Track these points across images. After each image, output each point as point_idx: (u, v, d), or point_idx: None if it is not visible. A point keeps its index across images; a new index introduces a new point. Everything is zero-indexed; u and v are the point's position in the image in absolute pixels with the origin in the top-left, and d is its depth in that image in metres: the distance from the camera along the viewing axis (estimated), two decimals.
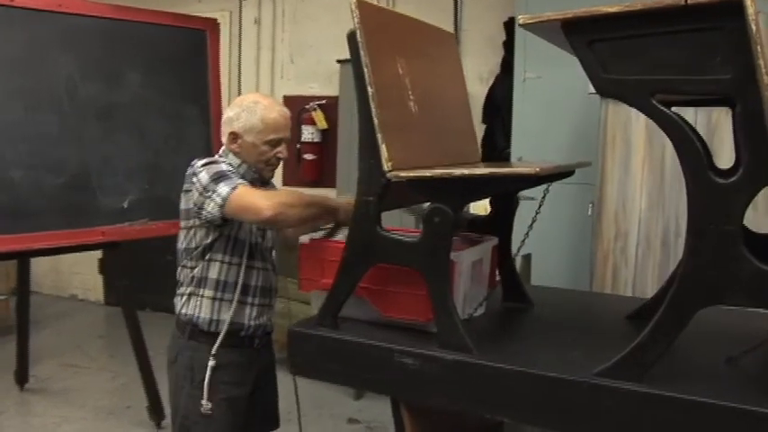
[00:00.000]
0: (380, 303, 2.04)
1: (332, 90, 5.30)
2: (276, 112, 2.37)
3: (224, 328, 2.35)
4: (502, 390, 1.78)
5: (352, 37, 1.85)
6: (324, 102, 5.36)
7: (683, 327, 1.64)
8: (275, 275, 2.52)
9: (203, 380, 2.34)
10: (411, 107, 1.99)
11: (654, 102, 1.60)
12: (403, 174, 1.80)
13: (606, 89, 1.68)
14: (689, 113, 3.12)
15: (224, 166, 2.29)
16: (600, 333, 2.14)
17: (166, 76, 4.07)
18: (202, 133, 4.12)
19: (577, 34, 1.63)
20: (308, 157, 5.45)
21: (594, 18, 1.59)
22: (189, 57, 4.17)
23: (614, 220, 3.65)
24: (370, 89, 1.81)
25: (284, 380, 2.52)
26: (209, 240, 2.33)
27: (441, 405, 1.89)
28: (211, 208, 2.21)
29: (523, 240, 2.17)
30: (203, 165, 2.29)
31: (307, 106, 5.42)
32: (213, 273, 2.35)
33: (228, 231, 2.33)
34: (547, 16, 1.64)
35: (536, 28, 1.71)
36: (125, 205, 3.82)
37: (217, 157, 2.40)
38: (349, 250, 1.94)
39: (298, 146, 5.45)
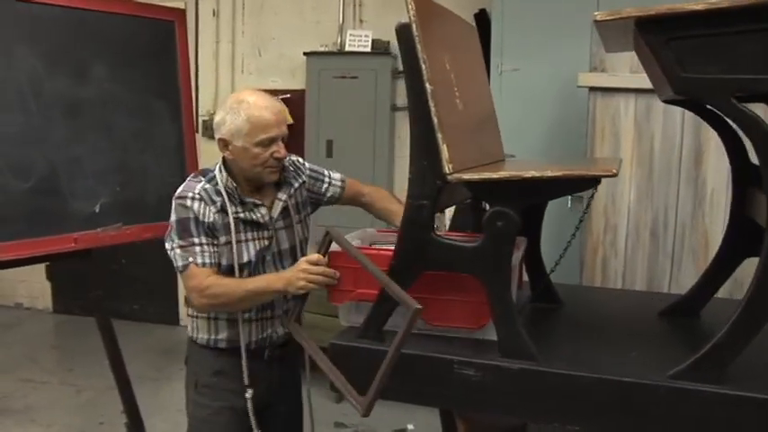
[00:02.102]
0: (426, 312, 1.93)
1: (296, 84, 5.17)
2: (263, 108, 2.20)
3: (223, 345, 2.31)
4: (572, 398, 1.72)
5: (404, 30, 1.73)
6: (288, 96, 5.20)
7: (763, 326, 1.61)
8: None
9: (205, 385, 2.33)
10: (458, 105, 1.89)
11: (734, 101, 1.57)
12: (467, 176, 1.70)
13: (684, 88, 1.62)
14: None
15: (191, 212, 2.20)
16: (642, 331, 2.11)
17: (134, 70, 3.83)
18: (173, 130, 3.92)
19: (655, 32, 1.58)
20: None
21: (677, 16, 1.54)
22: (157, 49, 3.95)
23: (603, 213, 3.64)
24: (428, 86, 1.70)
25: None
26: None
27: (504, 416, 1.81)
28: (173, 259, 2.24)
29: (569, 243, 2.12)
30: (176, 198, 2.25)
31: None
32: None
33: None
34: (627, 12, 1.57)
35: (606, 25, 1.64)
36: (96, 209, 3.59)
37: (200, 178, 2.28)
38: (399, 257, 1.83)
39: None
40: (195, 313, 2.34)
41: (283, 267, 2.30)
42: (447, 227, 3.57)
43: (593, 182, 1.75)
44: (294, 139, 5.21)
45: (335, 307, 2.07)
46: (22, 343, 5.42)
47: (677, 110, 3.20)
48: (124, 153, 3.74)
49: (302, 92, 5.12)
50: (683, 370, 1.65)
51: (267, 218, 2.29)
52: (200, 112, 5.41)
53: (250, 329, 2.30)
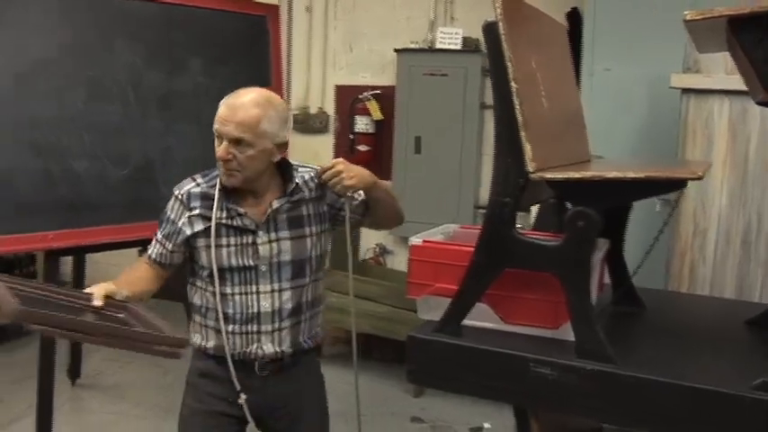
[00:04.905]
0: (503, 309, 1.94)
1: (386, 80, 5.21)
2: (224, 102, 2.11)
3: (211, 352, 2.25)
4: (648, 403, 1.69)
5: (490, 29, 1.74)
6: (378, 92, 5.25)
7: None
8: (276, 299, 2.22)
9: (190, 383, 2.33)
10: (543, 104, 1.89)
11: None
12: (549, 175, 1.70)
13: None
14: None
15: (167, 209, 2.23)
16: (728, 340, 2.05)
17: (227, 64, 3.97)
18: None
19: (748, 31, 1.54)
20: (362, 148, 5.35)
21: None
22: (249, 44, 4.07)
23: (693, 217, 3.54)
24: (513, 85, 1.70)
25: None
26: (188, 264, 2.27)
27: (578, 416, 1.80)
28: None
29: (651, 246, 2.08)
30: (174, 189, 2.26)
31: (360, 96, 5.32)
32: (196, 299, 2.27)
33: (193, 256, 2.23)
34: (718, 11, 1.54)
35: (697, 25, 1.61)
36: None
37: (197, 177, 2.25)
38: (481, 253, 1.84)
39: (351, 136, 5.36)
40: (193, 317, 2.30)
41: (280, 281, 2.21)
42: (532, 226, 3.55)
43: (679, 185, 1.71)
44: (383, 134, 5.29)
45: (412, 301, 2.09)
46: None
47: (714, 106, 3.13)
48: (213, 144, 3.86)
49: (392, 88, 5.15)
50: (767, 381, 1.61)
51: (253, 225, 2.18)
52: (291, 107, 5.51)
53: (234, 342, 2.21)
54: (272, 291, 2.21)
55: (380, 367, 4.69)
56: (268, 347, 2.22)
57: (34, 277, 5.25)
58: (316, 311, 2.34)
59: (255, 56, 4.07)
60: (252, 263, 2.18)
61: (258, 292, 2.20)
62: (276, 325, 2.22)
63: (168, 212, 2.22)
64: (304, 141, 5.38)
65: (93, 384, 4.44)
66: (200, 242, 2.17)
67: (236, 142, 2.06)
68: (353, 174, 2.16)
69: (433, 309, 2.03)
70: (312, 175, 2.28)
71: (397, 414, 4.16)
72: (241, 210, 2.16)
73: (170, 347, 1.81)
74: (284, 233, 2.21)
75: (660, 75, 3.59)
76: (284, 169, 2.24)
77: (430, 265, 2.04)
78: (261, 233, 2.18)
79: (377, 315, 4.42)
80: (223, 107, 2.09)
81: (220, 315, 2.18)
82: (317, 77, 5.55)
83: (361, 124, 5.32)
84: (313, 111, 5.61)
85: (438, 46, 5.06)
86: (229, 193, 2.17)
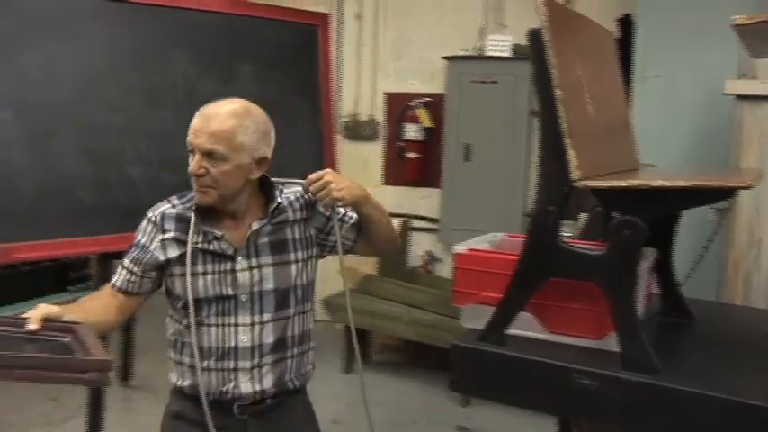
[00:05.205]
0: (547, 318, 1.93)
1: (435, 87, 5.21)
2: (199, 113, 1.93)
3: (186, 392, 2.01)
4: (695, 417, 1.66)
5: (535, 36, 1.73)
6: (428, 99, 5.26)
7: None
8: (257, 332, 1.98)
9: (163, 426, 2.10)
10: (589, 111, 1.87)
11: None
12: (593, 183, 1.68)
13: None
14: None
15: (139, 233, 2.01)
16: None
17: (278, 72, 4.01)
18: (313, 131, 4.06)
19: None
20: (412, 155, 5.36)
21: None
22: (300, 52, 4.11)
23: (747, 226, 3.47)
24: (558, 92, 1.69)
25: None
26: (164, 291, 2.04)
27: (622, 429, 1.78)
28: None
29: (700, 255, 2.04)
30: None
31: (410, 104, 5.33)
32: (171, 332, 2.04)
33: (166, 285, 2.02)
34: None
35: (747, 30, 1.58)
36: None
37: (174, 198, 2.05)
38: (525, 262, 1.83)
39: (400, 144, 5.38)
40: (170, 354, 2.06)
41: (261, 313, 1.98)
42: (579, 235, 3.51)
43: (729, 194, 1.68)
44: (432, 142, 5.30)
45: (456, 308, 2.09)
46: (160, 326, 5.73)
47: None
48: None
49: (441, 95, 5.16)
50: None
51: (231, 250, 1.96)
52: (341, 115, 5.55)
53: (209, 379, 1.97)
54: (252, 323, 1.97)
55: (427, 375, 4.69)
56: (246, 386, 1.98)
57: (88, 279, 5.36)
58: (304, 348, 2.10)
59: (306, 64, 4.11)
60: (230, 292, 1.95)
61: (236, 324, 1.96)
62: (255, 361, 1.98)
63: (139, 236, 2.01)
64: (353, 149, 5.42)
65: (143, 386, 4.52)
66: (175, 270, 1.96)
67: (209, 155, 1.86)
68: (343, 186, 1.97)
69: (477, 317, 2.02)
70: (298, 195, 2.07)
71: (443, 423, 4.15)
72: (218, 233, 1.95)
73: (97, 373, 1.57)
74: (266, 259, 1.99)
75: (713, 81, 3.53)
76: (267, 188, 2.03)
77: (475, 274, 2.04)
78: (240, 259, 1.96)
79: (423, 322, 4.42)
80: (197, 117, 1.91)
81: (195, 350, 1.94)
82: (367, 85, 5.58)
83: (411, 132, 5.33)
84: (362, 118, 5.64)
85: (488, 53, 5.04)
86: (206, 215, 1.96)
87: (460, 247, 2.09)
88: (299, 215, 2.06)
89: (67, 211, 3.24)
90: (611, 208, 1.79)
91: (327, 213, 2.08)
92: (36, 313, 1.70)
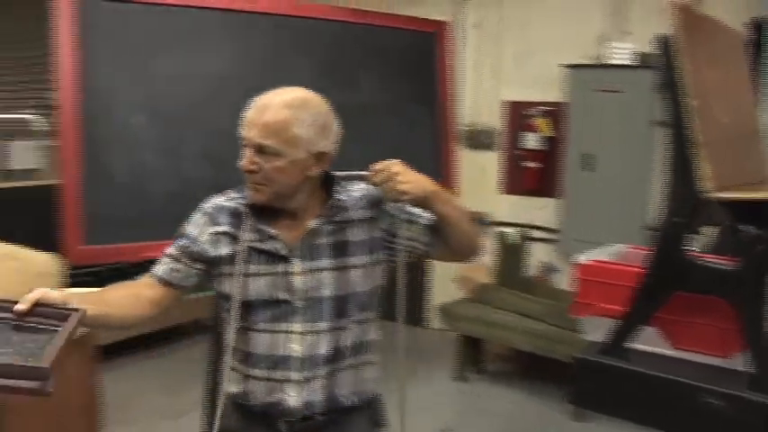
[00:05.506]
0: (671, 334, 1.87)
1: (554, 95, 5.14)
2: (254, 103, 1.77)
3: (237, 400, 1.87)
4: None
5: (664, 42, 1.69)
6: (548, 108, 5.20)
7: None
8: (310, 341, 1.78)
9: None
10: (720, 120, 1.81)
11: None
12: (727, 195, 1.63)
13: None
14: None
15: (188, 224, 1.88)
16: None
17: (397, 80, 4.05)
18: (430, 139, 4.08)
19: None
20: (530, 164, 5.30)
21: None
22: (419, 60, 4.14)
23: None
24: (690, 101, 1.64)
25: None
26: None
27: None
28: None
29: None
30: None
31: (529, 112, 5.28)
32: (224, 334, 1.87)
33: (214, 283, 1.87)
34: None
35: None
36: None
37: (230, 191, 1.91)
38: (652, 275, 1.79)
39: (518, 153, 5.33)
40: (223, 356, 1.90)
41: (315, 321, 1.77)
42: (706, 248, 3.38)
43: None
44: (552, 151, 5.22)
45: (573, 320, 2.06)
46: None
47: None
48: (381, 157, 3.95)
49: (561, 104, 5.08)
50: None
51: (285, 250, 1.78)
52: (460, 123, 5.55)
53: (257, 388, 1.81)
54: (305, 332, 1.77)
55: (540, 387, 4.62)
56: (294, 400, 1.78)
57: None
58: (363, 360, 1.87)
59: (425, 72, 4.13)
60: (283, 296, 1.77)
61: (288, 332, 1.77)
62: (306, 373, 1.78)
63: (188, 226, 1.87)
64: (471, 157, 5.40)
65: None
66: (225, 269, 1.80)
67: (261, 150, 1.71)
68: (410, 178, 1.72)
69: (597, 329, 1.99)
70: (364, 192, 1.85)
71: None
72: (272, 231, 1.78)
73: (34, 382, 1.35)
74: (324, 262, 1.78)
75: None
76: (330, 185, 1.84)
77: (597, 285, 2.01)
78: (295, 261, 1.77)
79: (538, 333, 4.36)
80: (251, 108, 1.76)
81: (238, 354, 1.82)
82: (485, 93, 5.55)
83: (530, 140, 5.28)
84: (481, 126, 5.62)
85: (610, 61, 4.93)
86: (263, 212, 1.79)
87: (583, 258, 2.06)
88: (363, 214, 1.83)
89: (190, 212, 3.39)
90: (741, 221, 1.72)
91: (393, 211, 1.83)
92: (32, 296, 1.55)
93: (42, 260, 2.62)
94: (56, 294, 1.58)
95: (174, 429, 4.09)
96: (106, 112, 3.21)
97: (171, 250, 1.84)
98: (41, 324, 1.50)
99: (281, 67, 3.72)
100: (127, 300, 1.78)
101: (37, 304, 1.54)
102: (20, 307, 1.52)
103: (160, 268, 1.83)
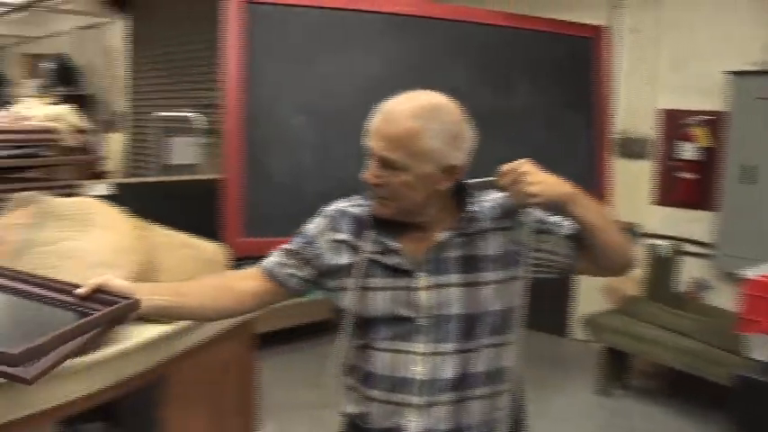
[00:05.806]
0: None
1: (713, 104, 4.91)
2: (381, 110, 1.64)
3: (356, 420, 1.77)
4: None
5: None
6: (708, 117, 4.98)
7: None
8: (433, 364, 1.65)
9: None
10: None
11: None
12: None
13: None
14: None
15: (310, 225, 1.79)
16: None
17: (551, 84, 4.02)
18: (584, 145, 4.02)
19: None
20: (685, 175, 5.10)
21: None
22: (575, 65, 4.09)
23: None
24: None
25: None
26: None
27: None
28: None
29: None
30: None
31: (686, 121, 5.08)
32: (341, 349, 1.76)
33: (331, 296, 1.76)
34: None
35: None
36: None
37: (357, 197, 1.82)
38: None
39: (672, 163, 5.14)
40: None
41: (441, 342, 1.64)
42: None
43: None
44: (710, 162, 4.98)
45: (729, 340, 1.97)
46: None
47: None
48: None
49: (721, 113, 4.85)
50: None
51: (408, 264, 1.66)
52: (615, 131, 5.41)
53: (376, 410, 1.70)
54: (428, 353, 1.64)
55: (686, 406, 4.43)
56: (415, 426, 1.65)
57: None
58: (497, 389, 1.70)
59: (580, 77, 4.08)
60: (406, 313, 1.65)
61: (410, 352, 1.65)
62: (428, 398, 1.65)
63: (308, 227, 1.79)
64: (623, 165, 5.24)
65: None
66: (343, 281, 1.70)
67: (387, 163, 1.60)
68: (540, 179, 1.55)
69: (763, 347, 1.89)
70: (499, 202, 1.71)
71: None
72: (395, 245, 1.67)
73: (12, 368, 1.36)
74: (452, 277, 1.65)
75: None
76: (461, 195, 1.70)
77: (766, 301, 1.91)
78: (420, 275, 1.65)
79: (689, 351, 4.18)
80: (377, 115, 1.64)
81: (356, 374, 1.74)
82: (640, 100, 5.37)
83: (686, 150, 5.07)
84: (634, 135, 5.45)
85: None
86: (388, 222, 1.68)
87: (751, 273, 1.97)
88: (496, 225, 1.69)
89: None
90: None
91: (527, 220, 1.69)
92: (93, 282, 1.57)
93: (212, 249, 2.79)
94: (118, 283, 1.59)
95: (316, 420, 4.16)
96: (267, 112, 3.35)
97: (285, 246, 1.78)
98: (87, 309, 1.52)
99: (436, 70, 3.76)
100: (213, 291, 1.74)
101: (97, 290, 1.56)
102: (79, 291, 1.55)
103: (269, 260, 1.78)
